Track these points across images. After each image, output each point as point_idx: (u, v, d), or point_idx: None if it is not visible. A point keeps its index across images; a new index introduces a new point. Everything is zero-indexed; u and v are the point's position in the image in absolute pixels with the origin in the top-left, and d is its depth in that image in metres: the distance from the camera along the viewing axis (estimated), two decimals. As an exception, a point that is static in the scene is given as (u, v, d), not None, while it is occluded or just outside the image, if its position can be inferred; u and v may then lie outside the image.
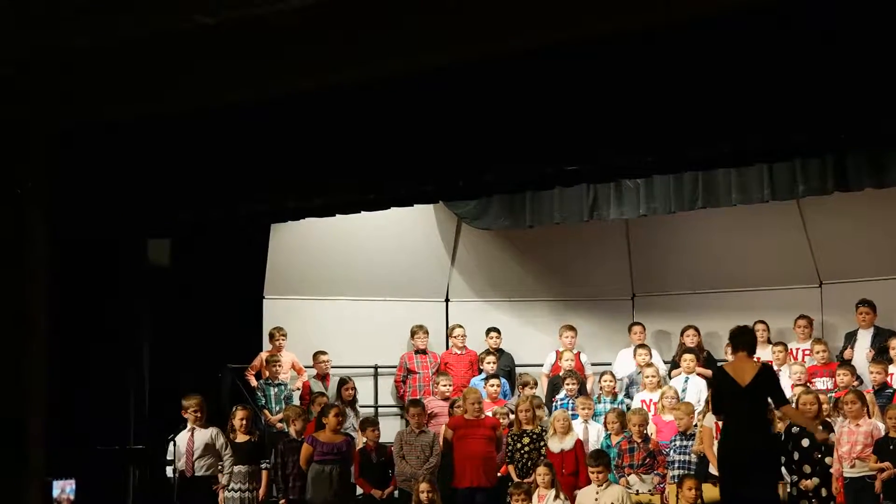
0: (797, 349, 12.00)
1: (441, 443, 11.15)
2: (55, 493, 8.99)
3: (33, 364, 9.38)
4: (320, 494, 10.45)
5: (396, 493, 11.01)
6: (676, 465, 10.48)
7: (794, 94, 7.19)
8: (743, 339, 9.14)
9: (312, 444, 10.63)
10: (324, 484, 10.48)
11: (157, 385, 10.57)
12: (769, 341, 12.25)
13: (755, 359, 11.57)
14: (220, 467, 10.45)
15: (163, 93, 8.86)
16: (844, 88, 7.04)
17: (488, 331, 13.03)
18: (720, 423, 9.38)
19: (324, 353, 12.51)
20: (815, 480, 9.80)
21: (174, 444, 10.23)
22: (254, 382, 12.03)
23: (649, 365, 12.10)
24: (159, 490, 10.18)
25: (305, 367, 12.48)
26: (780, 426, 10.34)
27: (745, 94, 7.31)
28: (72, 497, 9.07)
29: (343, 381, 12.13)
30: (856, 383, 10.91)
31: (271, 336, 12.33)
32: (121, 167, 9.50)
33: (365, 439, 11.14)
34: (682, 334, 12.40)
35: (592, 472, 10.12)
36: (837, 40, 6.98)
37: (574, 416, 11.30)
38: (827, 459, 9.84)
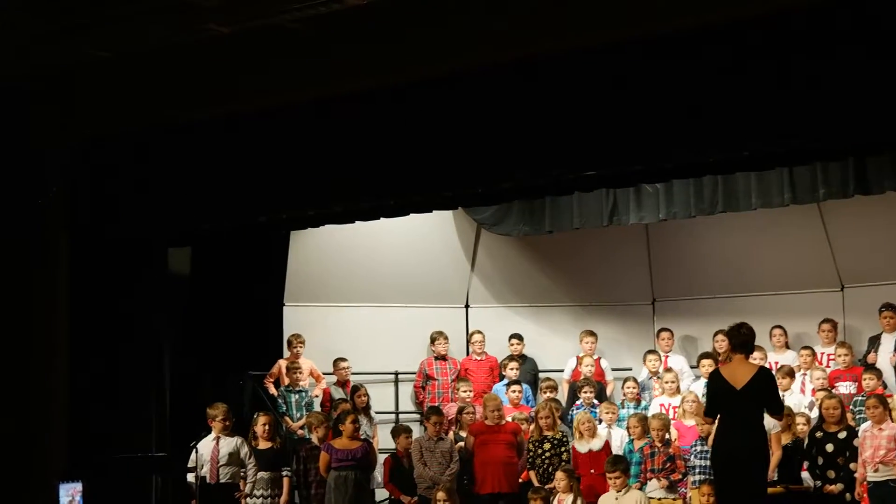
0: (821, 353, 11.94)
1: (457, 448, 11.16)
2: (63, 497, 8.91)
3: (55, 372, 9.45)
4: (340, 501, 10.44)
5: (416, 498, 10.99)
6: (698, 469, 10.43)
7: (814, 98, 7.17)
8: (737, 341, 8.82)
9: (329, 452, 10.62)
10: (342, 490, 10.47)
11: (179, 392, 10.59)
12: (787, 346, 12.20)
13: (771, 363, 11.62)
14: (242, 475, 10.46)
15: (183, 102, 8.91)
16: (864, 91, 7.02)
17: (510, 337, 13.02)
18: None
19: (344, 359, 12.50)
20: (840, 486, 9.75)
21: (196, 451, 10.25)
22: (272, 390, 12.03)
23: (668, 370, 12.08)
24: (181, 497, 10.19)
25: (326, 375, 12.48)
26: (800, 432, 10.29)
27: (765, 97, 7.29)
28: (79, 501, 9.00)
29: (356, 388, 12.11)
30: (881, 390, 10.84)
31: (289, 343, 12.31)
32: (141, 176, 9.55)
33: (397, 446, 11.15)
34: (713, 339, 12.33)
35: (610, 478, 10.09)
36: (858, 44, 6.97)
37: (598, 422, 11.29)
38: (851, 465, 9.79)
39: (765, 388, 8.64)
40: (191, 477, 10.21)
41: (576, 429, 11.01)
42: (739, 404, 8.58)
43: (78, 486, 8.99)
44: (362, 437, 11.14)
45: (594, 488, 10.55)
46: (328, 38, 8.20)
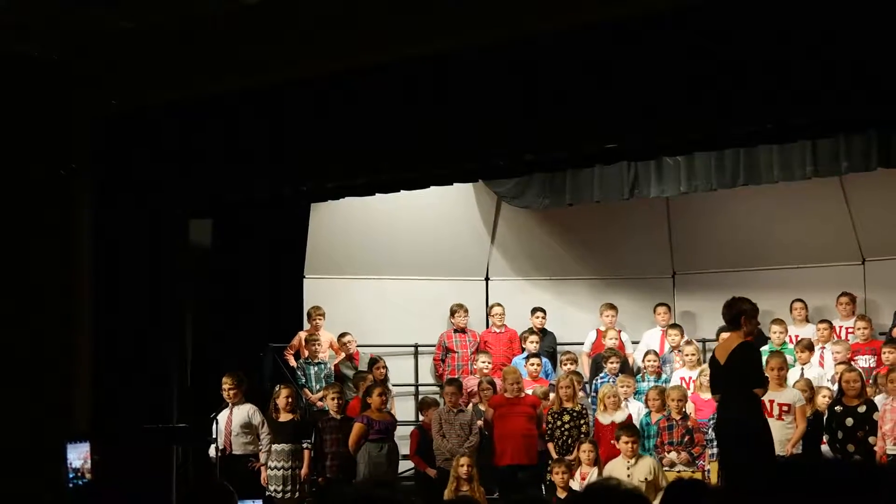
0: (840, 327, 11.90)
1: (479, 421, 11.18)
2: (76, 460, 8.80)
3: (78, 343, 9.49)
4: (381, 472, 10.42)
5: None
6: (715, 443, 10.43)
7: (836, 70, 7.12)
8: (726, 317, 8.80)
9: (367, 424, 10.65)
10: (382, 462, 10.53)
11: (200, 364, 10.63)
12: (807, 319, 12.16)
13: (791, 336, 11.57)
14: (261, 447, 10.46)
15: (204, 74, 8.92)
16: (887, 63, 6.98)
17: (533, 310, 13.01)
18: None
19: (347, 333, 12.45)
20: (859, 459, 9.74)
21: (217, 423, 10.30)
22: (293, 362, 12.05)
23: (689, 343, 12.07)
24: (203, 469, 10.24)
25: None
26: (821, 404, 10.28)
27: (787, 69, 7.25)
28: (87, 463, 8.89)
29: (374, 361, 12.14)
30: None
31: (308, 315, 12.31)
32: (163, 148, 9.57)
33: (423, 418, 11.18)
34: None
35: (627, 443, 10.09)
36: (882, 15, 6.92)
37: (615, 395, 11.32)
38: (870, 438, 9.77)
39: (743, 362, 8.61)
40: (213, 449, 10.26)
41: (601, 401, 11.04)
42: (725, 379, 8.65)
43: (86, 448, 8.92)
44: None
45: (611, 459, 10.58)
46: (353, 10, 8.19)
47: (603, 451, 10.63)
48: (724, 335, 11.77)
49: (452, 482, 10.28)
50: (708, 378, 9.26)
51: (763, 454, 8.57)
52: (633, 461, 10.06)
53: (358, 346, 12.55)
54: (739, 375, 8.59)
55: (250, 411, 10.49)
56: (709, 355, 12.11)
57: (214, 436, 10.26)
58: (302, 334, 12.23)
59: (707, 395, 10.98)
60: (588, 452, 10.34)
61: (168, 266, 10.15)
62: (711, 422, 10.57)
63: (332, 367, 12.26)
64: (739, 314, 8.71)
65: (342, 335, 12.45)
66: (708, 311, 13.29)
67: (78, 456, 8.85)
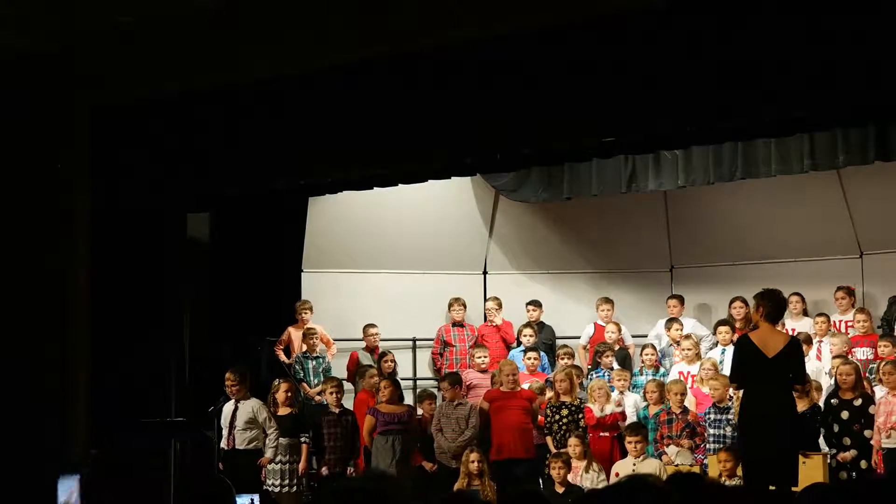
0: (839, 321, 11.90)
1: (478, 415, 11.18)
2: (60, 494, 8.24)
3: (76, 338, 9.49)
4: (384, 464, 10.42)
5: (435, 465, 11.01)
6: (711, 438, 10.44)
7: (834, 63, 7.12)
8: (774, 308, 8.71)
9: (375, 416, 10.66)
10: (387, 455, 10.52)
11: (198, 358, 10.62)
12: (804, 313, 12.15)
13: (788, 330, 11.59)
14: (265, 441, 10.39)
15: (203, 68, 8.91)
16: (885, 55, 6.98)
17: (528, 304, 13.03)
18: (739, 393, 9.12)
19: (373, 325, 12.50)
20: (853, 452, 9.74)
21: (219, 417, 10.29)
22: (283, 357, 12.03)
23: (687, 337, 12.06)
24: (204, 463, 10.23)
25: (352, 341, 12.49)
26: (816, 397, 10.28)
27: (786, 63, 7.25)
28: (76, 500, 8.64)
29: (382, 354, 12.15)
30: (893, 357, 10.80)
31: (295, 310, 12.33)
32: (161, 142, 9.56)
33: (421, 411, 11.18)
34: (729, 305, 12.31)
35: (630, 443, 10.11)
36: (880, 8, 6.92)
37: (611, 389, 11.31)
38: (866, 432, 9.77)
39: (794, 359, 8.59)
40: (223, 442, 10.26)
41: (590, 393, 11.06)
42: (769, 372, 8.51)
43: (75, 483, 8.68)
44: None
45: (600, 451, 10.61)
46: (351, 5, 8.19)
47: (590, 442, 10.64)
48: (722, 328, 11.84)
49: (463, 478, 10.29)
50: (732, 365, 9.03)
51: (793, 454, 8.62)
52: (639, 460, 10.07)
53: (354, 340, 12.59)
54: (789, 371, 8.56)
55: (255, 407, 10.39)
56: (707, 348, 12.18)
57: (214, 430, 10.23)
58: (291, 329, 12.22)
59: (706, 389, 10.99)
60: (575, 447, 10.35)
61: (166, 260, 10.14)
62: (707, 415, 10.58)
63: (330, 358, 12.24)
64: (783, 309, 8.75)
65: (368, 326, 12.47)
66: (706, 305, 13.32)
67: (64, 491, 8.44)
